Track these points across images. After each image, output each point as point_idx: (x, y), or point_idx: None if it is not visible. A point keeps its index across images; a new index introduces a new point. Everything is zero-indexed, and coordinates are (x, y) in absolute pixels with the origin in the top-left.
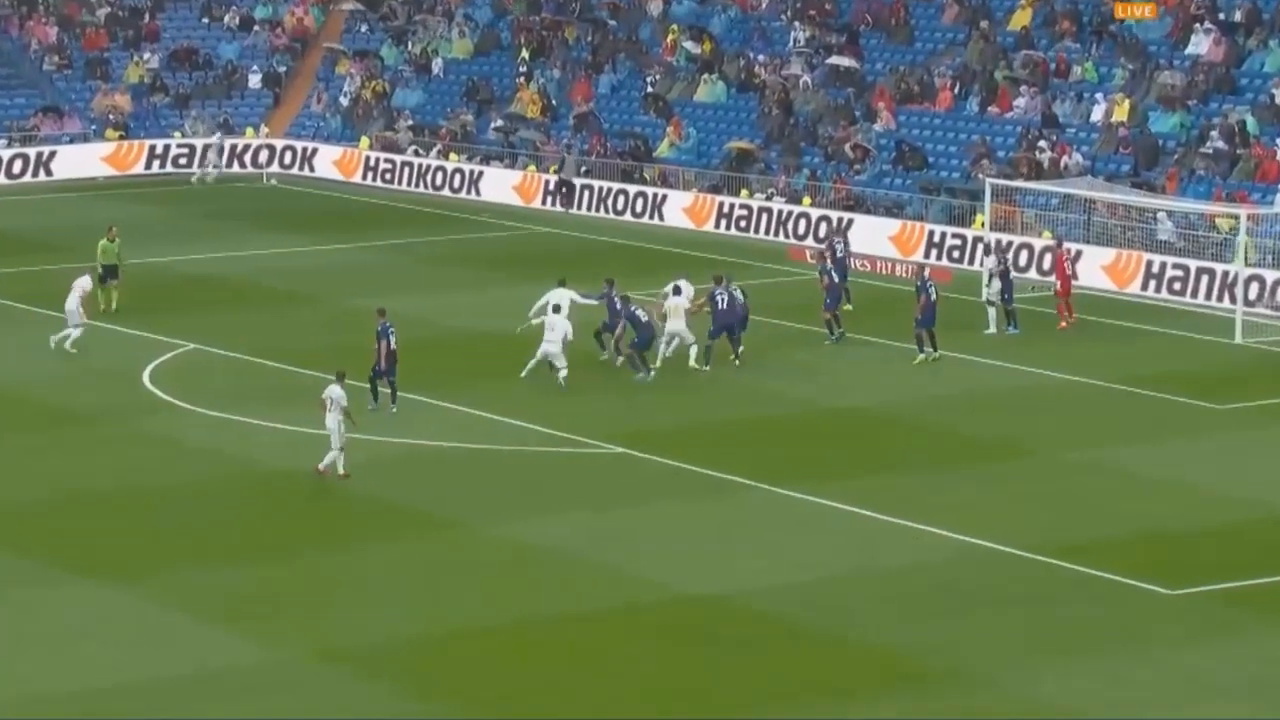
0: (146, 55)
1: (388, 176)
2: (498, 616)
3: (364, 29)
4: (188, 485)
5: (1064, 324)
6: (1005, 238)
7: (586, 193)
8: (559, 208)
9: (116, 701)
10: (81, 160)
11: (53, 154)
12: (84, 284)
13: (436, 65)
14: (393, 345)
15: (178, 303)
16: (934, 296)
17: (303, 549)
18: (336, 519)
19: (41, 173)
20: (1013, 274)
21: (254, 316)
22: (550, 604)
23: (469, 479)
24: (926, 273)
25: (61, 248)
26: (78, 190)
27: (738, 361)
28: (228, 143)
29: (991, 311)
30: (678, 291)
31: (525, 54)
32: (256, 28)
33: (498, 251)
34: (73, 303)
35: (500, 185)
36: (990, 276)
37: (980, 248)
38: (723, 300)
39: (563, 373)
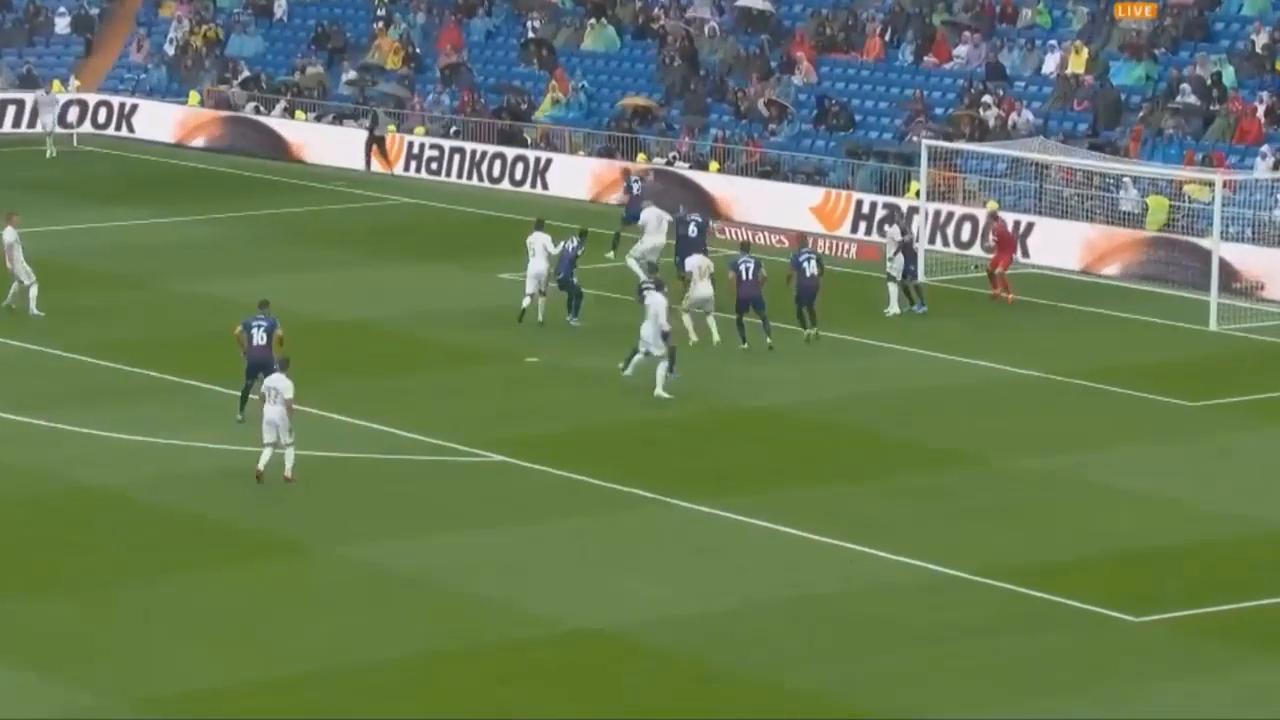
0: None
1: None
2: (347, 657)
3: None
4: None
5: (1009, 296)
6: (917, 206)
7: (457, 157)
8: (372, 168)
9: None
10: None
11: None
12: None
13: (279, 8)
14: (257, 341)
15: None
16: (812, 272)
17: (119, 579)
18: (159, 543)
19: None
20: (915, 246)
21: (62, 303)
22: (412, 641)
23: (315, 493)
24: (810, 243)
25: None
26: None
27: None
28: (58, 99)
29: (893, 289)
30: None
31: None
32: None
33: (352, 225)
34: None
35: (354, 149)
36: (896, 250)
37: (917, 220)
38: (746, 271)
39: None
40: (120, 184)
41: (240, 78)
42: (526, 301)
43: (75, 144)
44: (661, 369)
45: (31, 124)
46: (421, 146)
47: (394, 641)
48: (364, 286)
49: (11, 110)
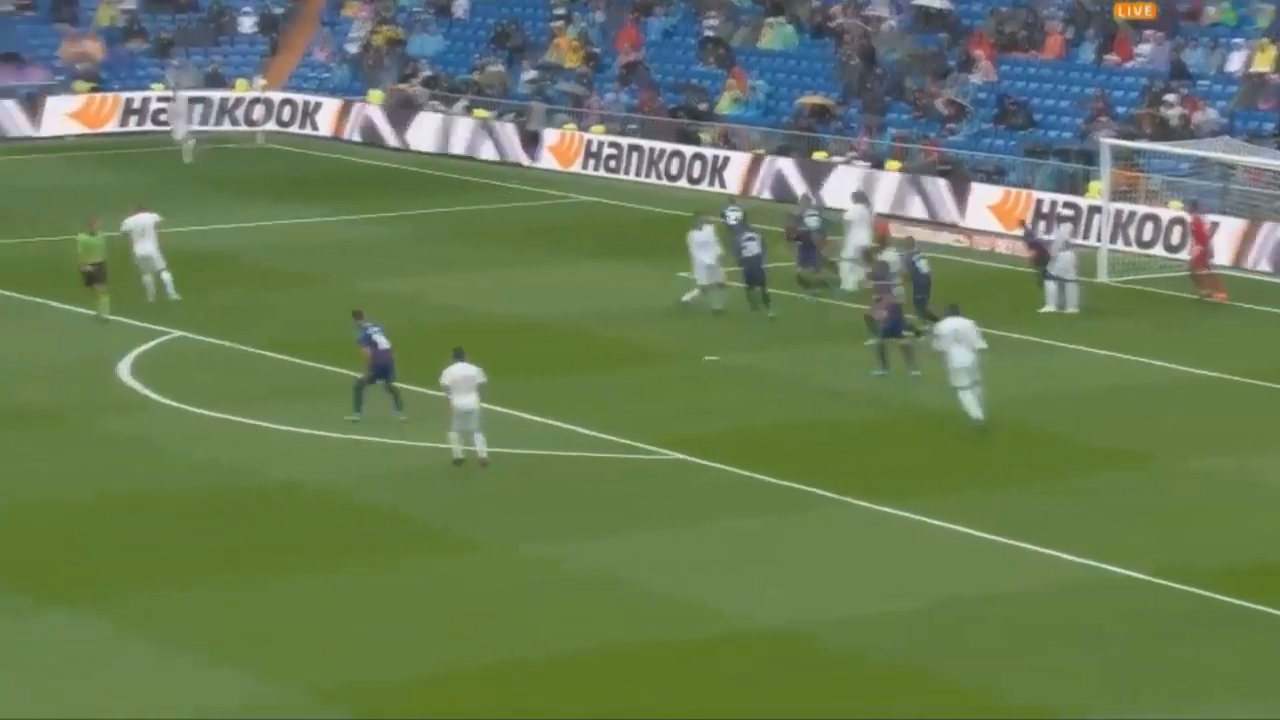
0: None
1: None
2: (529, 653)
3: None
4: (171, 495)
5: (1219, 295)
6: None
7: (635, 155)
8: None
9: None
10: (45, 116)
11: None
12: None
13: (459, 7)
14: (384, 345)
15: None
16: (925, 270)
17: (304, 571)
18: (342, 537)
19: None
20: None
21: (249, 299)
22: (591, 638)
23: (498, 490)
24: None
25: (19, 219)
26: (42, 151)
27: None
28: (184, 95)
29: (1051, 286)
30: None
31: None
32: None
33: (531, 223)
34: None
35: (545, 149)
36: (1060, 249)
37: (1098, 220)
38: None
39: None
40: (303, 181)
41: (421, 76)
42: (695, 294)
43: (261, 142)
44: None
45: (217, 121)
46: (600, 144)
47: (574, 638)
48: (542, 284)
49: (199, 108)
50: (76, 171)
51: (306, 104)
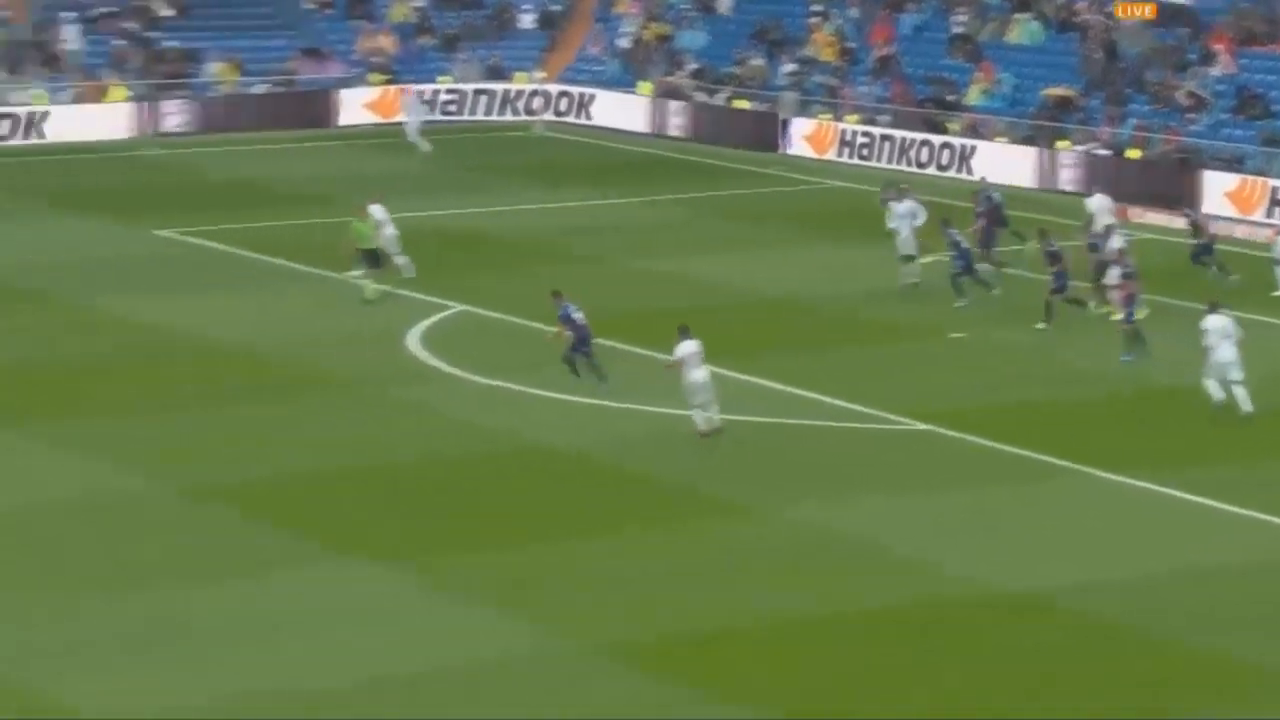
0: None
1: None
2: (788, 609)
3: None
4: (455, 458)
5: None
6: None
7: (886, 144)
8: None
9: (380, 695)
10: (344, 106)
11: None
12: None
13: (723, 4)
14: (580, 321)
15: (445, 261)
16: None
17: (577, 531)
18: (613, 499)
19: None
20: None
21: (529, 276)
22: (845, 598)
23: (754, 457)
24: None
25: (325, 200)
26: (340, 138)
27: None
28: (418, 100)
29: None
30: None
31: None
32: None
33: (789, 208)
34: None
35: (792, 135)
36: None
37: None
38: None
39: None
40: (578, 167)
41: (687, 69)
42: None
43: (540, 131)
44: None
45: (499, 112)
46: (853, 134)
47: (816, 599)
48: (797, 264)
49: (484, 100)
50: (371, 158)
51: (581, 95)
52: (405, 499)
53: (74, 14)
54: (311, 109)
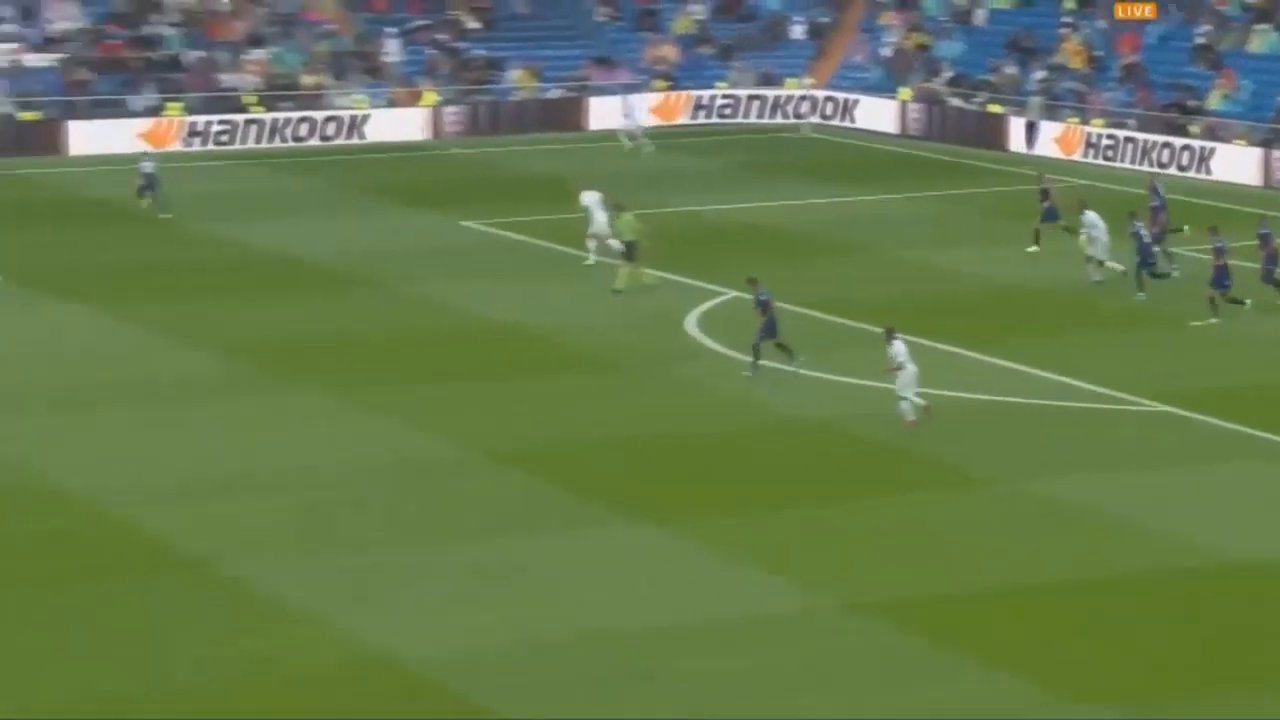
0: (694, 7)
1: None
2: (1033, 576)
3: None
4: (724, 430)
5: None
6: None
7: (1129, 146)
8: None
9: (668, 641)
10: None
11: (591, 102)
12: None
13: (979, 16)
14: (771, 308)
15: (719, 250)
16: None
17: (836, 498)
18: (866, 470)
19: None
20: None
21: (797, 265)
22: (1089, 567)
23: (996, 433)
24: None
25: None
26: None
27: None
28: (637, 100)
29: None
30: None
31: (1070, 4)
32: None
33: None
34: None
35: (1041, 137)
36: None
37: None
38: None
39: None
40: (844, 166)
41: (945, 76)
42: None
43: (808, 132)
44: None
45: (770, 115)
46: (1098, 136)
47: (1071, 564)
48: (1044, 256)
49: (756, 104)
50: (655, 158)
51: (845, 100)
52: (678, 466)
53: (395, 29)
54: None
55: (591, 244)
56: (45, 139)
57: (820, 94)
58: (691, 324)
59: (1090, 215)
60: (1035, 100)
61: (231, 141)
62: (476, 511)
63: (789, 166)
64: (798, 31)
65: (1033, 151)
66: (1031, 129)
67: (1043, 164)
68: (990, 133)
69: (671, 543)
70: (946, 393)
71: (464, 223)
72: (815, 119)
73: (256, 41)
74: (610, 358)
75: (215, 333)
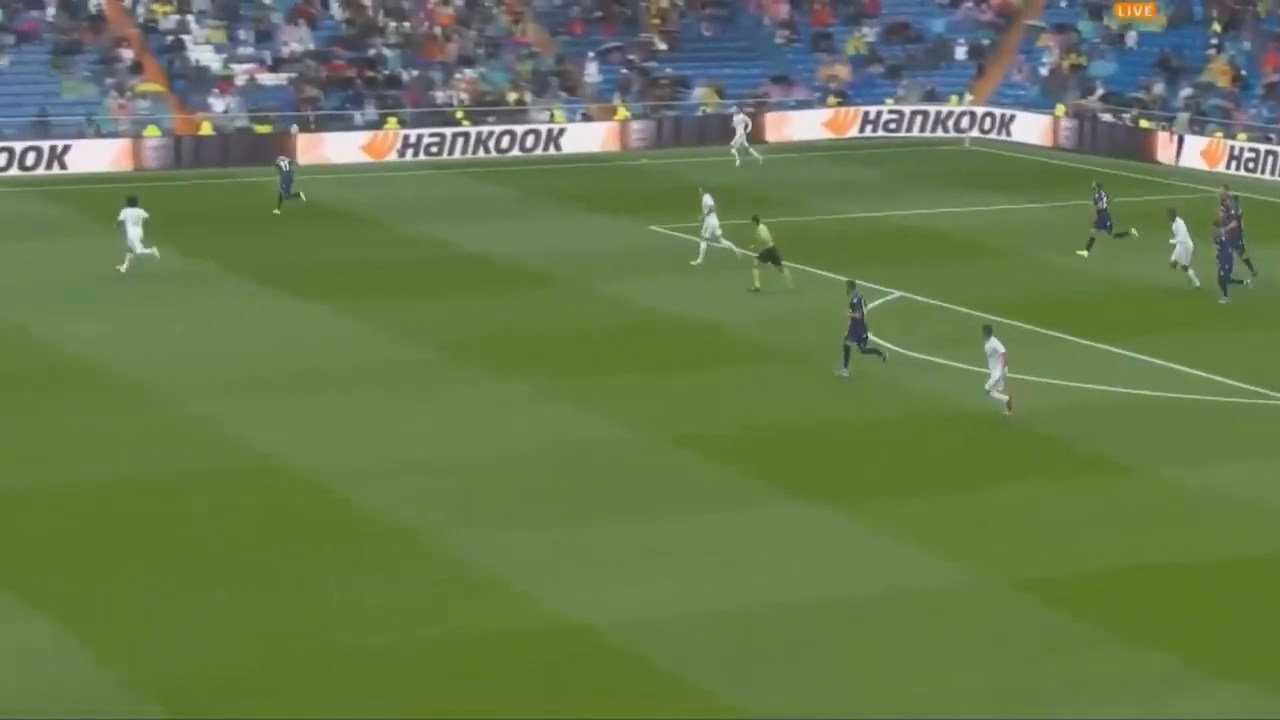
0: (865, 30)
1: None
2: (1173, 556)
3: (1063, 4)
4: (888, 419)
5: None
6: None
7: (1270, 158)
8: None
9: (830, 614)
10: (804, 124)
11: (773, 118)
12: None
13: (1130, 38)
14: (859, 313)
15: (886, 254)
16: None
17: (988, 482)
18: (1020, 457)
19: (765, 134)
20: None
21: (954, 266)
22: (1227, 548)
23: (1141, 424)
24: None
25: (780, 202)
26: (800, 151)
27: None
28: (746, 120)
29: None
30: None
31: (1217, 26)
32: (968, 4)
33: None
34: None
35: (1187, 151)
36: None
37: None
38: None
39: None
40: (1000, 177)
41: (1098, 94)
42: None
43: (967, 146)
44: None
45: (933, 129)
46: (1241, 150)
47: (1185, 548)
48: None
49: (919, 119)
50: (827, 168)
51: (1004, 116)
52: (839, 450)
53: (591, 51)
54: (766, 127)
55: (702, 245)
56: (277, 150)
57: (980, 110)
58: None
59: (1179, 223)
60: (1183, 116)
61: (441, 153)
62: (654, 491)
63: (949, 177)
64: (960, 53)
65: (1179, 164)
66: (1181, 142)
67: (1189, 175)
68: (1139, 146)
69: (833, 521)
70: (1087, 385)
71: (652, 227)
72: (975, 133)
73: (466, 62)
74: (776, 352)
75: (422, 326)
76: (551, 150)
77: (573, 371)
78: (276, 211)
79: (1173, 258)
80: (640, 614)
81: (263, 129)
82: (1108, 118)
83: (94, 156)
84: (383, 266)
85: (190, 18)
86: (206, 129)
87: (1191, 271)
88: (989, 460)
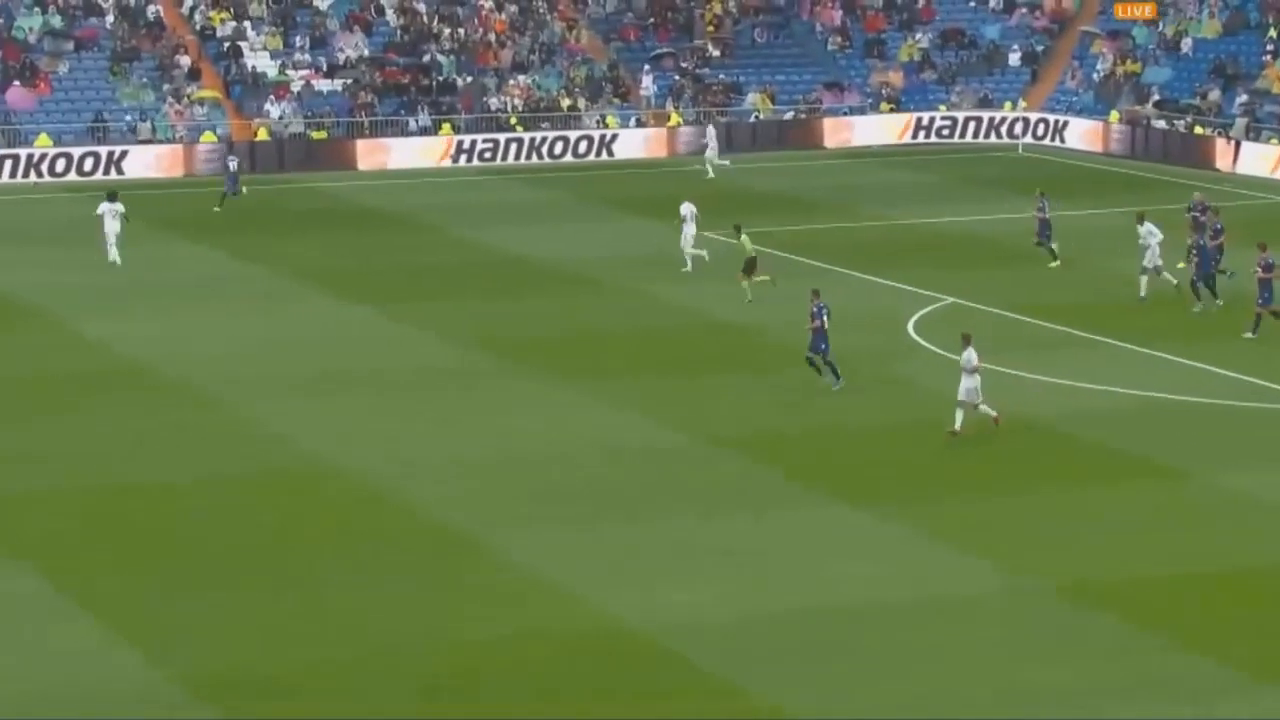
0: (918, 36)
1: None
2: (1227, 562)
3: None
4: (932, 423)
5: None
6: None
7: None
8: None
9: (874, 616)
10: (857, 130)
11: (830, 124)
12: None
13: (1186, 44)
14: (819, 323)
15: (938, 259)
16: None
17: (1037, 487)
18: (1070, 462)
19: (817, 140)
20: None
21: (1007, 273)
22: (1277, 553)
23: (1195, 431)
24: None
25: (834, 208)
26: (853, 157)
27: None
28: (712, 133)
29: None
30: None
31: (1274, 33)
32: (1021, 10)
33: (1242, 218)
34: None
35: (1252, 158)
36: None
37: None
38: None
39: None
40: (1053, 182)
41: (1152, 100)
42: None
43: (1021, 152)
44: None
45: (986, 135)
46: None
47: (1239, 554)
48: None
49: (972, 125)
50: (880, 173)
51: (1057, 122)
52: (889, 454)
53: (646, 57)
54: (812, 133)
55: (688, 253)
56: (332, 155)
57: (1034, 116)
58: (911, 326)
59: (1146, 227)
60: (1240, 122)
61: (494, 158)
62: (697, 493)
63: (1002, 182)
64: (1014, 59)
65: (1235, 170)
66: (1237, 148)
67: (1245, 181)
68: (1195, 152)
69: (875, 525)
70: (1136, 391)
71: (705, 233)
72: (1027, 139)
73: (520, 68)
74: (837, 355)
75: (473, 329)
76: (604, 156)
77: (620, 373)
78: (217, 209)
79: (1145, 262)
80: (683, 614)
81: (318, 135)
82: (1161, 124)
83: (149, 162)
84: (435, 270)
85: (247, 24)
86: (263, 134)
87: (1167, 273)
88: (1034, 465)
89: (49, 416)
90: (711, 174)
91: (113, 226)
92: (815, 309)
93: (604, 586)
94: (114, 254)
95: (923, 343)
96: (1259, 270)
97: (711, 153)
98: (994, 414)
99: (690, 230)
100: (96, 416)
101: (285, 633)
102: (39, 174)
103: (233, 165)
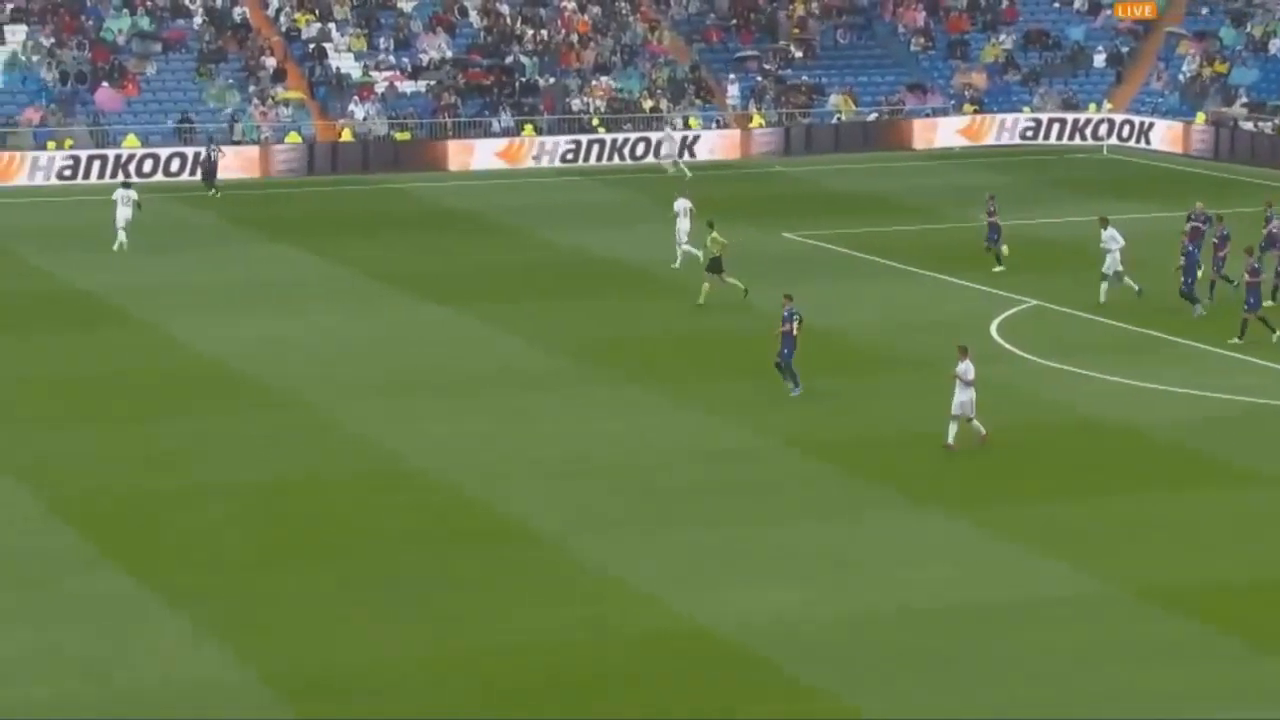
0: (1002, 37)
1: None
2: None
3: (1205, 11)
4: (1017, 426)
5: None
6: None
7: None
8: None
9: (964, 621)
10: (941, 131)
11: (910, 125)
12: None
13: (1274, 45)
14: (788, 328)
15: (1021, 262)
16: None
17: (1115, 490)
18: (1159, 468)
19: (904, 141)
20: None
21: (1090, 275)
22: None
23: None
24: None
25: (916, 210)
26: (936, 159)
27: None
28: (676, 135)
29: None
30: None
31: None
32: (1106, 12)
33: None
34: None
35: None
36: None
37: None
38: None
39: None
40: (1138, 185)
41: (1239, 101)
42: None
43: (1105, 154)
44: None
45: (1070, 137)
46: None
47: None
48: None
49: (1056, 126)
50: (961, 173)
51: (1142, 124)
52: (977, 459)
53: (730, 60)
54: (901, 134)
55: (680, 250)
56: (415, 156)
57: (1119, 118)
58: (995, 329)
59: (1109, 232)
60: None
61: (576, 159)
62: (780, 496)
63: (1086, 184)
64: (1099, 60)
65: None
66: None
67: None
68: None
69: (957, 529)
70: (1220, 395)
71: (786, 234)
72: (1113, 141)
73: (603, 69)
74: (917, 358)
75: (557, 330)
76: (685, 157)
77: (701, 376)
78: (215, 193)
79: (1104, 268)
80: (766, 617)
81: (402, 136)
82: (1249, 126)
83: (233, 163)
84: (518, 271)
85: (332, 26)
86: (347, 135)
87: (1129, 279)
88: (1128, 471)
89: (148, 420)
90: (688, 174)
91: (124, 213)
92: (786, 313)
93: (684, 589)
94: (121, 237)
95: (1007, 346)
96: (1247, 276)
97: (669, 150)
98: (983, 432)
99: (684, 226)
100: (188, 418)
101: (369, 633)
102: (126, 174)
103: (214, 154)
